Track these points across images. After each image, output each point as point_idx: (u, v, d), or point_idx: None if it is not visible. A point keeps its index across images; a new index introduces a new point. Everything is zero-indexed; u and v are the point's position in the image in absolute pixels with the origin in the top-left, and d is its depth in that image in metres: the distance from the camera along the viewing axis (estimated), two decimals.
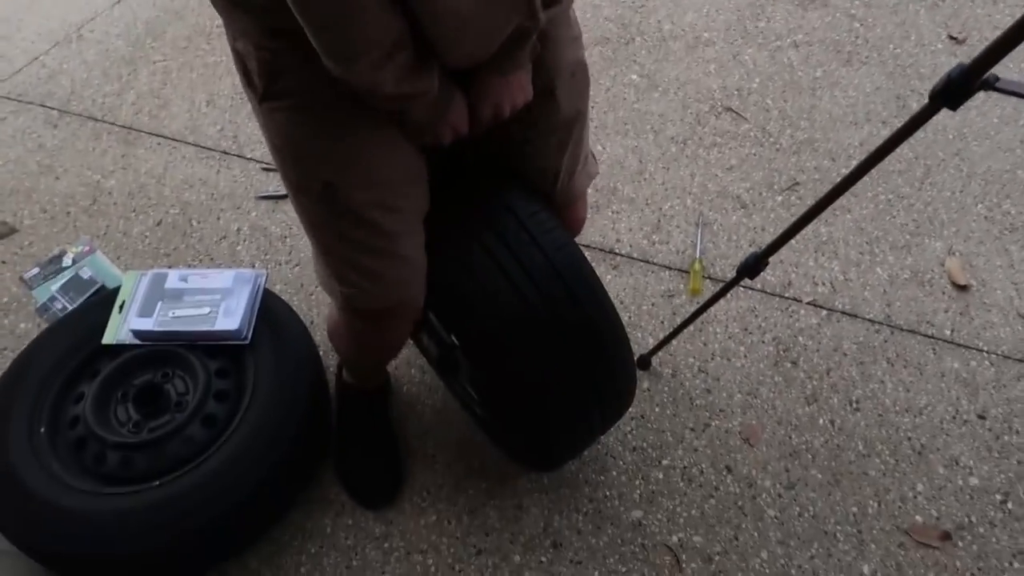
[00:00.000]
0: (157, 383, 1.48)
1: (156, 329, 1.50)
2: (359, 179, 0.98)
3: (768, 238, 1.85)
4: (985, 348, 1.64)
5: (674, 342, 1.65)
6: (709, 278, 1.80)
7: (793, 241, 1.84)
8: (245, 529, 1.41)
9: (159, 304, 1.54)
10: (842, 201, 1.89)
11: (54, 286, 1.86)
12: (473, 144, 1.08)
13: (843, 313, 1.73)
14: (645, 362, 1.64)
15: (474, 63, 0.97)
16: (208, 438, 1.39)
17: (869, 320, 1.71)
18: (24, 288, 1.87)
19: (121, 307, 1.56)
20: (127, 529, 1.27)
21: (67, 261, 1.91)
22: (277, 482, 1.39)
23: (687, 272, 1.81)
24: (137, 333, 1.50)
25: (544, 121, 1.10)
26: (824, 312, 1.73)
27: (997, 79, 0.83)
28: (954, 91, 0.86)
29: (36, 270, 1.91)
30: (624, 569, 1.36)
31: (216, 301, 1.53)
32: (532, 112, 1.08)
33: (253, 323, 1.52)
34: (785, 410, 1.57)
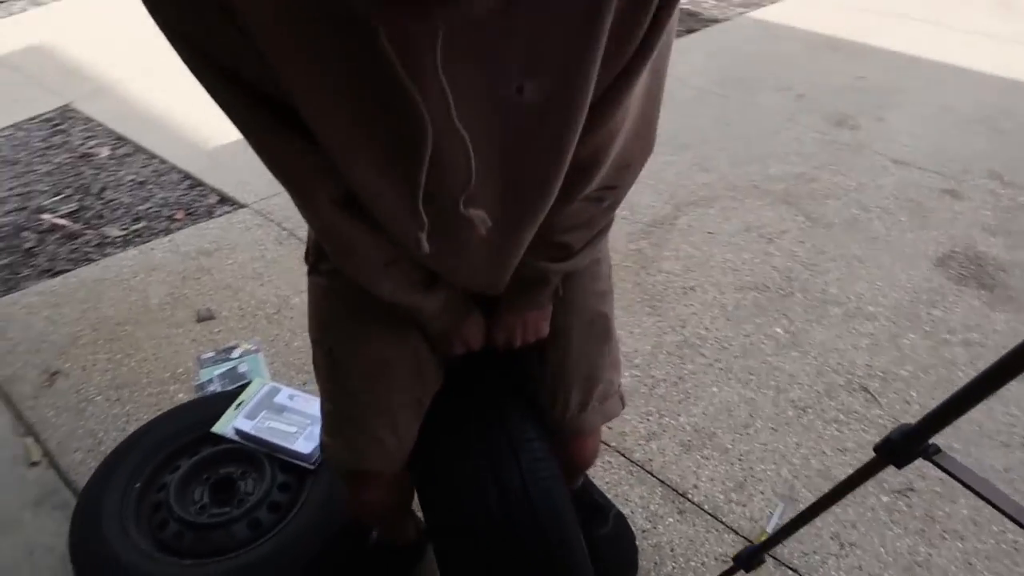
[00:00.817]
0: (234, 477, 1.72)
1: (251, 432, 1.76)
2: (358, 355, 1.14)
3: (856, 536, 1.74)
4: None
5: None
6: (773, 557, 1.71)
7: (882, 549, 1.72)
8: None
9: (263, 412, 1.81)
10: (954, 523, 1.74)
11: (216, 371, 2.23)
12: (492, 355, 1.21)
13: None
14: None
15: (489, 293, 1.12)
16: (247, 539, 1.58)
17: None
18: (196, 366, 2.27)
19: (238, 406, 1.85)
20: None
21: (236, 354, 2.29)
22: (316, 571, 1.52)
23: (750, 543, 1.74)
24: (237, 431, 1.77)
25: (556, 359, 1.20)
26: None
27: (938, 450, 0.81)
28: (897, 452, 0.85)
29: (212, 354, 2.30)
30: None
31: (305, 424, 1.77)
32: (547, 349, 1.20)
33: None
34: None
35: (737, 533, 1.76)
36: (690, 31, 4.59)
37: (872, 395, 2.08)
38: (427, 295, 1.04)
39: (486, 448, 1.19)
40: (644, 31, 0.73)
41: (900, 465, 0.86)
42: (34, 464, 2.02)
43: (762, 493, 1.85)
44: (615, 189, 0.99)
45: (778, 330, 2.31)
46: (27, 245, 3.10)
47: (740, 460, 1.93)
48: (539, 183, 0.87)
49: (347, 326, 1.13)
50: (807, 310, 2.38)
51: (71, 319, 2.54)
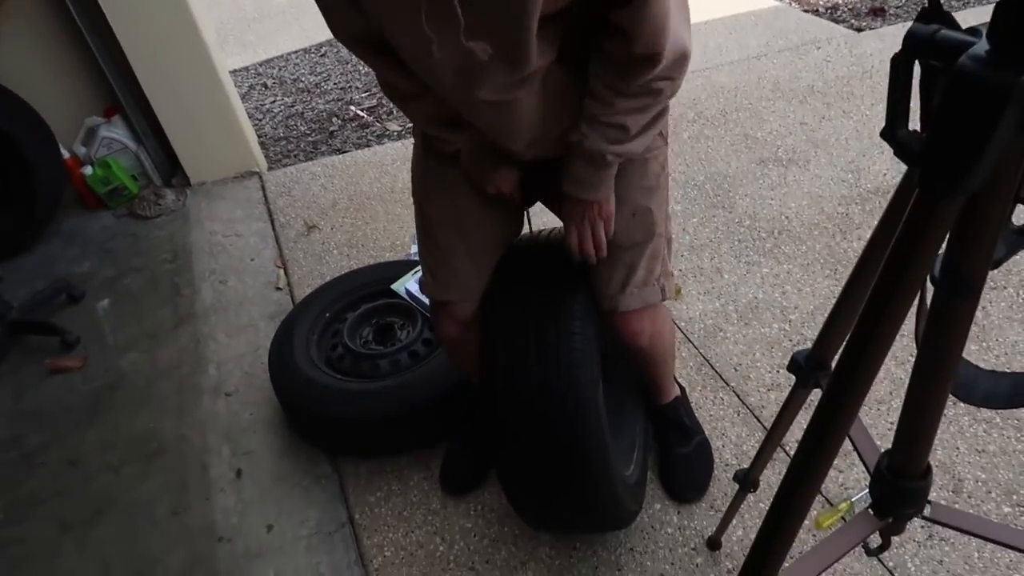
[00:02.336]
0: (395, 325, 2.10)
1: (415, 294, 2.12)
2: (439, 204, 1.40)
3: (959, 567, 1.64)
4: None
5: None
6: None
7: (976, 553, 1.64)
8: (413, 427, 1.90)
9: None
10: None
11: None
12: None
13: None
14: (715, 543, 1.66)
15: (533, 155, 1.30)
16: (385, 372, 1.96)
17: None
18: (411, 241, 2.70)
19: (415, 272, 2.22)
20: (333, 400, 1.87)
21: None
22: (421, 414, 1.86)
23: (831, 505, 1.72)
24: (407, 291, 2.15)
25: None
26: None
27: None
28: (801, 371, 0.90)
29: None
30: None
31: None
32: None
33: None
34: None
35: (821, 494, 1.75)
36: None
37: None
38: (456, 131, 1.27)
39: (536, 311, 1.37)
40: None
41: (805, 385, 0.91)
42: (278, 289, 2.62)
43: (863, 466, 1.79)
44: (674, 80, 1.13)
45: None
46: (332, 128, 3.80)
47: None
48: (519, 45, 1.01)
49: (432, 184, 1.40)
50: (1012, 305, 2.14)
51: (337, 188, 3.13)
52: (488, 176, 1.33)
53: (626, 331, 1.45)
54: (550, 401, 1.33)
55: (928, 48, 0.53)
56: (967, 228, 0.57)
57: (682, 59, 1.10)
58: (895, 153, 0.56)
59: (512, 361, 1.36)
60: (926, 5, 0.57)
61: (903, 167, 2.33)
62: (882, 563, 1.60)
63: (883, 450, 0.78)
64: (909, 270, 0.56)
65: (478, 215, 1.40)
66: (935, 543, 1.62)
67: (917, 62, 0.57)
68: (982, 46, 0.50)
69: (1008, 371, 0.71)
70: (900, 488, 0.72)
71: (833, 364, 0.96)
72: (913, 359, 0.68)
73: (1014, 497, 1.69)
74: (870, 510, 0.77)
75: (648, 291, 1.40)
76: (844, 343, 0.63)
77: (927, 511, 0.76)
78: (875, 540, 0.81)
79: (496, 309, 1.42)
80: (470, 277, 1.44)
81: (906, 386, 0.69)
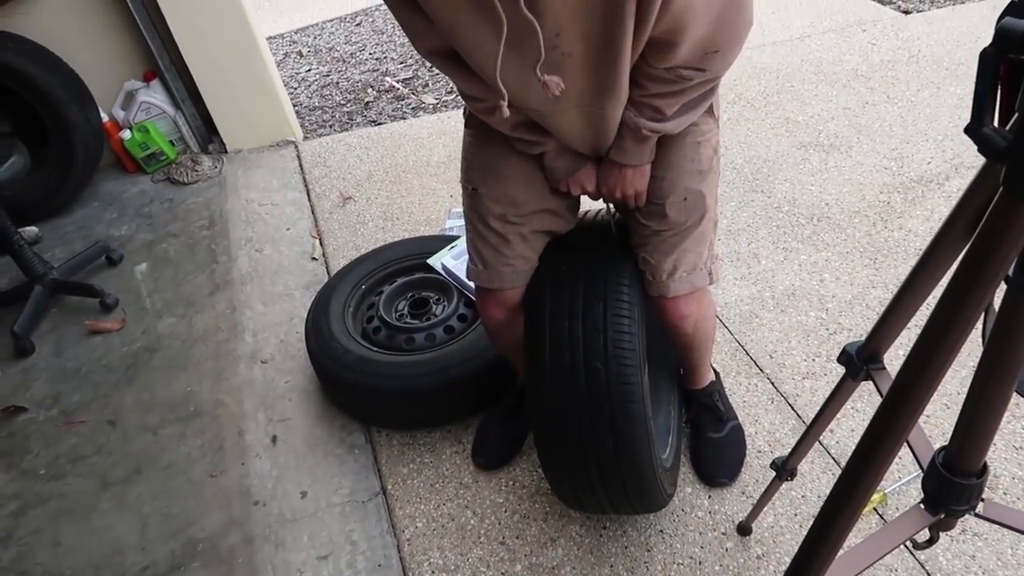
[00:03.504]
0: (430, 300, 2.11)
1: (451, 269, 2.13)
2: (494, 193, 1.39)
3: (992, 562, 1.64)
4: None
5: (787, 534, 1.64)
6: (879, 515, 1.68)
7: (1009, 550, 1.63)
8: (446, 401, 1.91)
9: (465, 256, 2.16)
10: None
11: (458, 223, 2.64)
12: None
13: None
14: (745, 529, 1.67)
15: (594, 153, 1.31)
16: (420, 346, 1.97)
17: None
18: (445, 216, 2.71)
19: (451, 247, 2.22)
20: (368, 371, 1.89)
21: None
22: (455, 389, 1.87)
23: None
24: (443, 266, 2.16)
25: (654, 226, 1.36)
26: None
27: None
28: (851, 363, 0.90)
29: (459, 210, 2.71)
30: None
31: None
32: (646, 218, 1.36)
33: None
34: None
35: None
36: None
37: None
38: (545, 135, 1.27)
39: (583, 293, 1.38)
40: None
41: (855, 377, 0.91)
42: (314, 259, 2.64)
43: (900, 459, 1.78)
44: (703, 71, 1.13)
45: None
46: (367, 99, 3.80)
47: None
48: (612, 59, 1.06)
49: (486, 170, 1.40)
50: None
51: (373, 160, 3.13)
52: (573, 178, 1.35)
53: (674, 315, 1.45)
54: (597, 386, 1.33)
55: (1020, 44, 0.52)
56: None
57: (712, 55, 1.10)
58: (979, 150, 0.55)
59: (559, 345, 1.36)
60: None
61: (948, 156, 2.31)
62: (914, 556, 1.59)
63: (937, 446, 0.77)
64: (987, 269, 0.55)
65: (536, 204, 1.40)
66: (968, 538, 1.61)
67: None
68: None
69: None
70: (955, 485, 0.72)
71: (885, 358, 0.95)
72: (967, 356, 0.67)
73: None
74: (921, 505, 0.76)
75: (697, 275, 1.40)
76: (914, 342, 0.63)
77: (979, 508, 0.75)
78: (923, 534, 0.80)
79: (543, 292, 1.42)
80: (521, 266, 1.45)
81: (958, 383, 0.68)
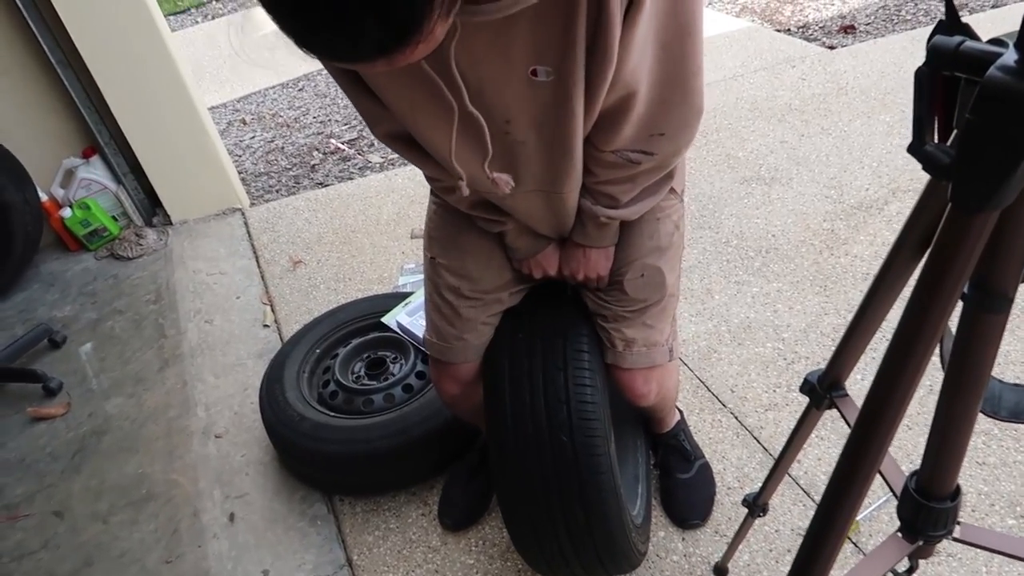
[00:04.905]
0: (387, 359, 2.07)
1: (407, 326, 2.09)
2: (452, 265, 1.36)
3: None
4: None
5: (764, 571, 1.61)
6: (853, 543, 1.66)
7: (984, 568, 1.62)
8: (408, 463, 1.85)
9: (420, 312, 2.13)
10: None
11: (411, 279, 2.62)
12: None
13: None
14: (721, 570, 1.64)
15: (556, 234, 1.30)
16: (380, 408, 1.92)
17: None
18: (399, 273, 2.68)
19: (406, 304, 2.19)
20: (326, 437, 1.82)
21: None
22: (417, 449, 1.81)
23: None
24: (398, 324, 2.12)
25: (611, 300, 1.34)
26: None
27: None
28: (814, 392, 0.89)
29: (412, 265, 2.70)
30: None
31: None
32: (606, 293, 1.35)
33: None
34: None
35: None
36: None
37: None
38: (502, 214, 1.26)
39: (542, 362, 1.34)
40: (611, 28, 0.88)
41: (819, 406, 0.90)
42: (266, 326, 2.57)
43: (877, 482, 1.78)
44: (652, 155, 1.12)
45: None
46: (313, 162, 3.78)
47: None
48: (565, 144, 1.05)
49: (447, 241, 1.37)
50: None
51: (322, 222, 3.10)
52: (535, 260, 1.33)
53: (631, 392, 1.41)
54: (564, 460, 1.29)
55: (953, 60, 0.53)
56: (998, 242, 0.56)
57: (658, 138, 1.09)
58: (923, 168, 0.55)
59: (521, 418, 1.32)
60: (942, 17, 0.57)
61: (885, 181, 2.36)
62: None
63: (906, 469, 0.76)
64: (944, 287, 0.54)
65: (494, 282, 1.37)
66: (942, 559, 1.61)
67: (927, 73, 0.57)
68: (1011, 56, 0.49)
69: None
70: (931, 510, 0.71)
71: (846, 383, 0.95)
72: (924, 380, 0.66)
73: (1017, 509, 1.68)
74: (899, 533, 0.75)
75: (657, 352, 1.37)
76: (878, 368, 0.62)
77: (956, 532, 0.74)
78: (903, 563, 0.79)
79: (501, 362, 1.38)
80: (474, 340, 1.41)
81: (916, 402, 0.68)
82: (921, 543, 0.73)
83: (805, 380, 0.94)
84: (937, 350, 0.70)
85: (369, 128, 1.14)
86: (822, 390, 0.92)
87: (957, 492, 0.71)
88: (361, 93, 1.04)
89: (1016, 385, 0.72)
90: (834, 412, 0.93)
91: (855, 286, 2.33)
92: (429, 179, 1.24)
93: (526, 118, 1.01)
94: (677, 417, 1.81)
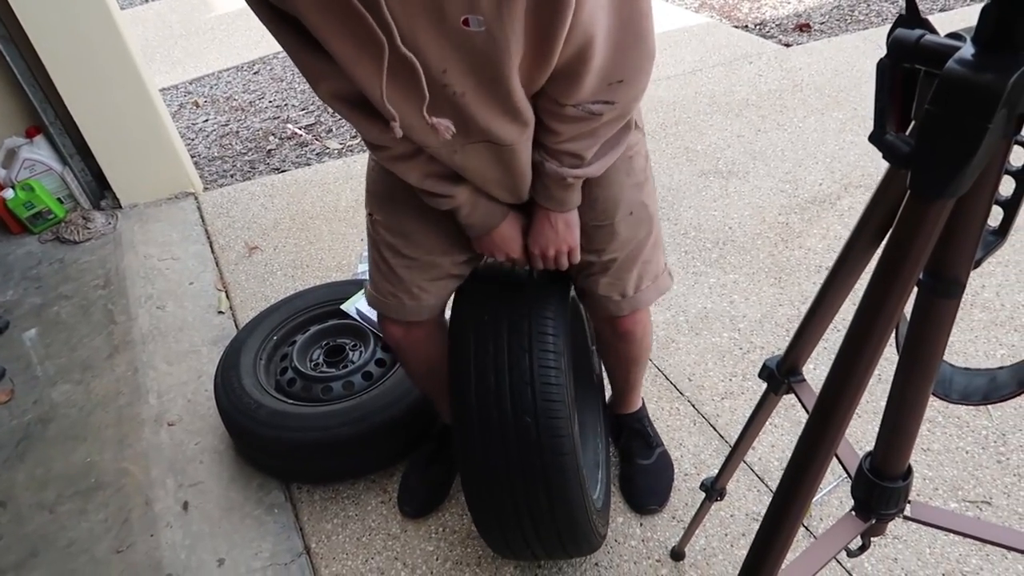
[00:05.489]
0: (346, 347, 2.05)
1: (366, 313, 2.07)
2: (388, 222, 1.35)
3: (912, 563, 1.69)
4: None
5: (720, 555, 1.64)
6: (805, 527, 1.71)
7: (927, 549, 1.67)
8: (368, 450, 1.84)
9: None
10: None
11: None
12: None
13: None
14: (678, 554, 1.66)
15: (515, 200, 1.28)
16: (339, 395, 1.91)
17: None
18: (357, 260, 2.65)
19: (364, 291, 2.17)
20: (284, 425, 1.80)
21: None
22: (377, 437, 1.80)
23: None
24: (357, 311, 2.10)
25: (609, 250, 1.35)
26: None
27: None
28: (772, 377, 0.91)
29: None
30: None
31: None
32: (600, 243, 1.35)
33: None
34: None
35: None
36: None
37: (986, 407, 1.93)
38: (456, 185, 1.22)
39: (507, 344, 1.34)
40: None
41: (777, 391, 0.92)
42: (221, 313, 2.53)
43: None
44: (614, 104, 1.11)
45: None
46: (269, 147, 3.72)
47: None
48: (503, 93, 1.03)
49: (384, 197, 1.36)
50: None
51: (278, 208, 3.06)
52: (495, 243, 1.32)
53: (628, 326, 1.44)
54: (527, 441, 1.30)
55: (913, 53, 0.54)
56: (953, 229, 0.58)
57: (618, 86, 1.08)
58: (884, 157, 0.56)
59: (485, 400, 1.33)
60: (902, 12, 0.58)
61: (838, 177, 2.41)
62: (840, 563, 1.62)
63: (861, 453, 0.78)
64: (902, 273, 0.56)
65: (430, 247, 1.36)
66: (889, 541, 1.66)
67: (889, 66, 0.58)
68: (968, 50, 0.51)
69: (981, 368, 0.72)
70: (883, 489, 0.73)
71: (803, 369, 0.97)
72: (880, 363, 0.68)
73: (959, 493, 1.75)
74: (853, 512, 0.77)
75: (662, 280, 1.44)
76: (837, 352, 0.63)
77: (908, 511, 0.77)
78: (855, 541, 0.81)
79: (466, 345, 1.38)
80: (408, 300, 1.40)
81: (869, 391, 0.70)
82: (874, 521, 0.76)
83: (764, 366, 0.97)
84: (892, 336, 0.72)
85: (312, 88, 1.10)
86: (781, 375, 0.94)
87: (909, 472, 0.74)
88: (303, 47, 1.01)
89: (966, 369, 0.74)
90: (788, 401, 0.96)
91: (808, 278, 2.38)
92: (375, 148, 1.19)
93: (462, 67, 0.99)
94: (641, 400, 1.84)
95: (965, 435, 1.86)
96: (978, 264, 0.61)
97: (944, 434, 1.87)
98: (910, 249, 0.55)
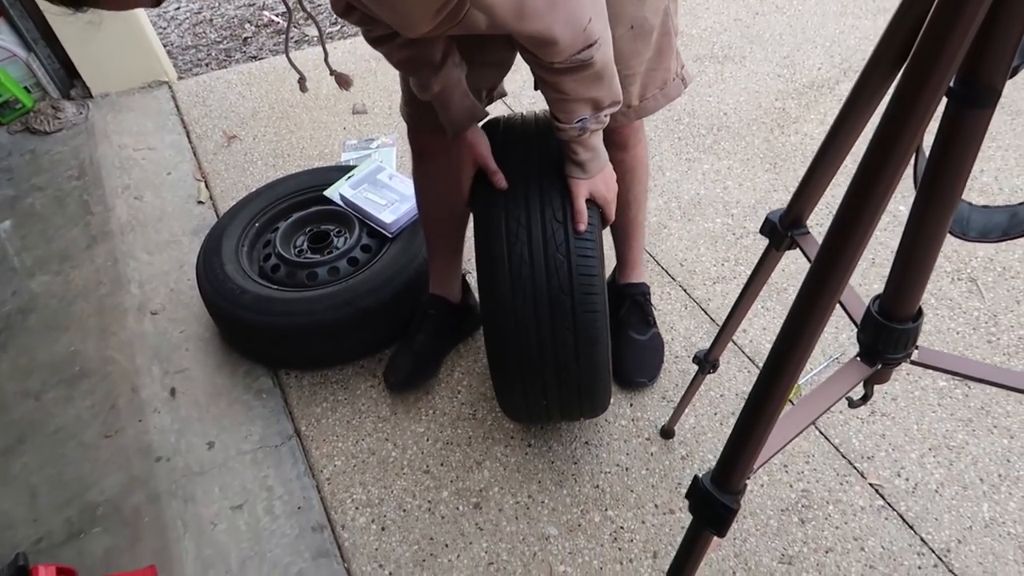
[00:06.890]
0: (330, 233, 2.00)
1: (350, 199, 2.01)
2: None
3: (892, 408, 1.69)
4: None
5: (709, 433, 1.65)
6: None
7: (915, 425, 1.68)
8: (356, 335, 1.83)
9: (365, 185, 2.05)
10: (1003, 419, 1.64)
11: (354, 156, 2.51)
12: None
13: (900, 518, 1.52)
14: (668, 432, 1.67)
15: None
16: (324, 281, 1.86)
17: (923, 542, 1.48)
18: (341, 149, 2.56)
19: (349, 177, 2.10)
20: (269, 310, 1.76)
21: (374, 144, 2.56)
22: (364, 321, 1.78)
23: None
24: (341, 196, 2.04)
25: None
26: (879, 503, 1.54)
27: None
28: (773, 232, 0.87)
29: (355, 141, 2.59)
30: (506, 557, 1.50)
31: (394, 200, 1.99)
32: None
33: (404, 227, 1.93)
34: (754, 552, 1.49)
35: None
36: None
37: (979, 288, 1.92)
38: (434, 73, 1.22)
39: (540, 216, 1.30)
40: None
41: (779, 247, 0.88)
42: (200, 203, 2.46)
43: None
44: (596, 43, 1.06)
45: (902, 209, 2.15)
46: (245, 35, 3.55)
47: None
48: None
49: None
50: None
51: (256, 96, 2.93)
52: (466, 138, 1.31)
53: (624, 137, 1.45)
54: (558, 281, 1.29)
55: None
56: (990, 31, 0.52)
57: (582, 33, 1.04)
58: None
59: (515, 235, 1.30)
60: None
61: (837, 61, 2.32)
62: (828, 440, 1.64)
63: (871, 296, 0.75)
64: (934, 74, 0.51)
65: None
66: (877, 418, 1.67)
67: None
68: None
69: (1001, 205, 0.68)
70: (892, 331, 0.70)
71: (808, 222, 0.93)
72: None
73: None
74: (858, 358, 0.74)
75: (671, 87, 1.41)
76: (853, 177, 0.58)
77: (915, 355, 0.74)
78: (857, 391, 0.79)
79: (498, 205, 1.33)
80: (461, 108, 1.34)
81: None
82: (879, 367, 0.73)
83: (766, 220, 0.92)
84: (913, 171, 0.67)
85: None
86: (783, 229, 0.90)
87: (919, 314, 0.71)
88: None
89: (985, 207, 0.70)
90: (779, 284, 0.92)
91: (805, 163, 2.32)
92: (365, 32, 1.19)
93: None
94: (646, 280, 1.82)
95: (956, 316, 1.86)
96: (1015, 73, 0.56)
97: (936, 316, 1.86)
98: (945, 44, 0.50)
